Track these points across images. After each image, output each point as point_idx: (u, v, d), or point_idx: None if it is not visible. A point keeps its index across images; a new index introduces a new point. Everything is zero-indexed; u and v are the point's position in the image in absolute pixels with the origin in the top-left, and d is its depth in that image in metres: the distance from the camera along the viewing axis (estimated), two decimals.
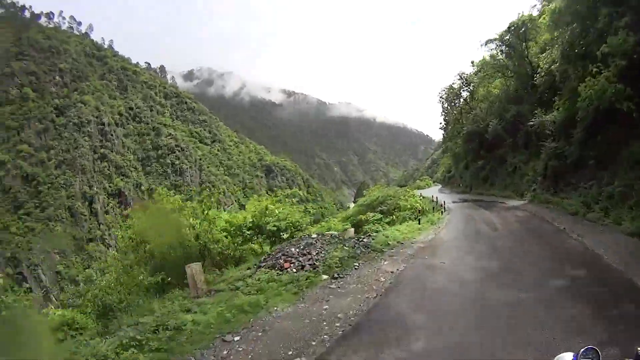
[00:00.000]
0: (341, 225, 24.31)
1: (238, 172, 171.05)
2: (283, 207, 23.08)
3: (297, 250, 14.60)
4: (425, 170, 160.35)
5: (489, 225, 22.67)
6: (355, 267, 13.53)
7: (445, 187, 79.07)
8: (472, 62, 60.17)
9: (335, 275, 12.52)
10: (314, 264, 13.37)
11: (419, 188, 78.30)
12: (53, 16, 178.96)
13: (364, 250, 15.43)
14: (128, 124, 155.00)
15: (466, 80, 62.54)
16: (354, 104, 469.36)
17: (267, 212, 20.82)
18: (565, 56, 26.47)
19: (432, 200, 37.66)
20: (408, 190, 41.02)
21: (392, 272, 12.79)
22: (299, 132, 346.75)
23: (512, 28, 46.10)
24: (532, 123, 32.65)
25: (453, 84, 64.88)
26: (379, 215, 26.38)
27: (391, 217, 26.23)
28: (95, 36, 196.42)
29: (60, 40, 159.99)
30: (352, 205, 69.26)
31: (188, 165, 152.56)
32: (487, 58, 53.43)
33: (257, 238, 19.68)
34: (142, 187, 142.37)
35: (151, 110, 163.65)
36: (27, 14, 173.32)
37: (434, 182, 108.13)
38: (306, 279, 12.01)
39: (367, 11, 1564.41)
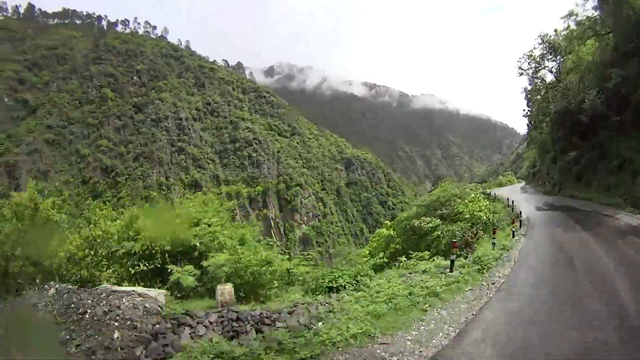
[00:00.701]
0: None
1: (317, 165, 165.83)
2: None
3: None
4: (509, 165, 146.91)
5: (603, 292, 10.12)
6: None
7: (529, 185, 65.59)
8: (556, 31, 46.42)
9: None
10: None
11: (500, 185, 71.70)
12: (128, 23, 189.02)
13: None
14: (206, 118, 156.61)
15: (550, 45, 46.81)
16: (437, 95, 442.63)
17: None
18: None
19: (507, 205, 30.02)
20: (476, 189, 33.99)
21: None
22: (381, 125, 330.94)
23: None
24: None
25: (534, 49, 48.53)
26: (437, 222, 21.75)
27: (449, 227, 20.54)
28: (172, 38, 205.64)
29: (136, 43, 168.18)
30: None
31: (265, 157, 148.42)
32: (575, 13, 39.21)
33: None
34: (219, 178, 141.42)
35: (229, 105, 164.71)
36: (104, 23, 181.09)
37: (517, 178, 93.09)
38: None
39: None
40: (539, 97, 51.62)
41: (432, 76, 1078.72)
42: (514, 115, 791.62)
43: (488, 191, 38.32)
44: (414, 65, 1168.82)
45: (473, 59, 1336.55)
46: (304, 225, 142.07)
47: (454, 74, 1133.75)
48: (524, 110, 56.74)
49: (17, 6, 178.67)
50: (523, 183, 77.38)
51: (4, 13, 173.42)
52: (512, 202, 30.20)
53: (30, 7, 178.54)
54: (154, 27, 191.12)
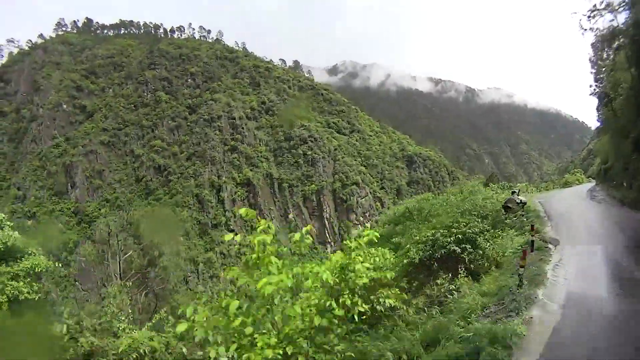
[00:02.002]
0: None
1: (377, 163, 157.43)
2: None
3: None
4: (579, 162, 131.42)
5: None
6: None
7: (599, 187, 45.85)
8: None
9: None
10: None
11: (565, 185, 60.22)
12: (183, 29, 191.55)
13: None
14: (260, 117, 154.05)
15: None
16: (504, 89, 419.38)
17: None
18: None
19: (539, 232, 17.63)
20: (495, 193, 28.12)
21: None
22: (447, 121, 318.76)
23: None
24: None
25: None
26: None
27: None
28: (230, 41, 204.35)
29: (190, 48, 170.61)
30: None
31: (320, 155, 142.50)
32: None
33: None
34: (273, 176, 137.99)
35: (284, 103, 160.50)
36: (160, 31, 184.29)
37: (587, 177, 79.10)
38: None
39: None
40: (609, 55, 37.52)
41: (498, 68, 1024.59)
42: (584, 108, 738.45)
43: (520, 199, 22.40)
44: (480, 58, 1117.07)
45: (540, 48, 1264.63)
46: (359, 226, 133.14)
47: (520, 65, 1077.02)
48: (590, 86, 43.46)
49: (75, 21, 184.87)
50: (592, 183, 63.95)
51: (64, 28, 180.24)
52: (565, 214, 23.08)
53: (89, 21, 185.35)
54: (209, 31, 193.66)
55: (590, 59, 41.14)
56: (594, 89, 41.65)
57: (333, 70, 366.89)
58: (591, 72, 42.18)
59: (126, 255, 26.59)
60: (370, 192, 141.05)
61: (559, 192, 45.47)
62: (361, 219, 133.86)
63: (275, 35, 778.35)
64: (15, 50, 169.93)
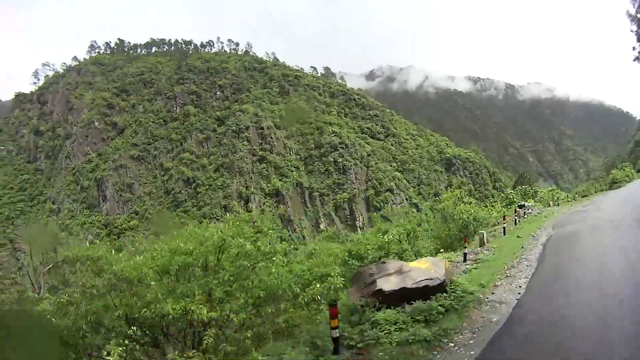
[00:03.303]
0: None
1: (413, 167, 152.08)
2: None
3: None
4: (627, 155, 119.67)
5: None
6: None
7: None
8: None
9: None
10: None
11: (613, 184, 49.34)
12: (213, 43, 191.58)
13: None
14: (291, 125, 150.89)
15: None
16: (544, 83, 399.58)
17: None
18: None
19: None
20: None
21: None
22: (489, 120, 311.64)
23: None
24: None
25: None
26: None
27: None
28: (261, 52, 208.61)
29: (218, 61, 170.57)
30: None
31: (352, 162, 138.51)
32: None
33: None
34: (303, 186, 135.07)
35: (315, 110, 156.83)
36: (191, 47, 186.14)
37: (638, 171, 66.00)
38: None
39: None
40: None
41: (537, 62, 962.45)
42: (630, 98, 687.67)
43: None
44: (518, 53, 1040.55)
45: (577, 38, 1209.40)
46: None
47: (559, 57, 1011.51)
48: (634, 49, 36.29)
49: (107, 42, 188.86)
50: None
51: (97, 50, 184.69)
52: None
53: (121, 41, 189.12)
54: (237, 44, 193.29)
55: (629, 14, 35.25)
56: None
57: (370, 76, 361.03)
58: (632, 31, 36.21)
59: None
60: (405, 199, 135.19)
61: (601, 199, 36.13)
62: None
63: (310, 46, 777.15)
64: (51, 73, 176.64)
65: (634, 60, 35.50)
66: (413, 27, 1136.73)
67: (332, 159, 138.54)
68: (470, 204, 25.30)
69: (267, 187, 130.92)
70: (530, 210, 31.98)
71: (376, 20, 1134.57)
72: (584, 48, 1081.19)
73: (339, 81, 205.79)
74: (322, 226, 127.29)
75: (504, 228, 22.44)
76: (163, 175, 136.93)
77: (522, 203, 33.29)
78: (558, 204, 38.68)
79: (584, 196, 42.44)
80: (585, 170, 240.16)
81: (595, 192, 44.95)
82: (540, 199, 43.09)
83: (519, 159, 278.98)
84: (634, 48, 36.16)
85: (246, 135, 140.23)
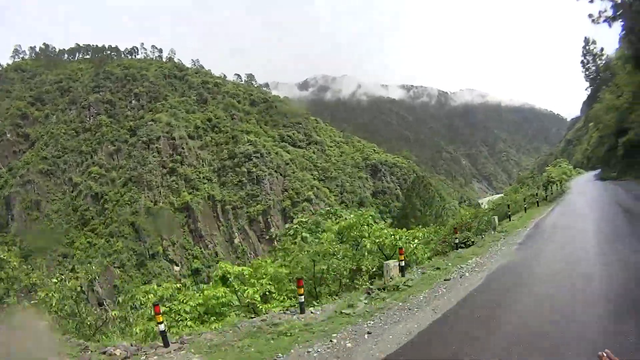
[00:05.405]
0: None
1: (336, 175, 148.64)
2: None
3: None
4: (559, 153, 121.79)
5: None
6: None
7: (601, 177, 47.44)
8: None
9: None
10: None
11: (548, 184, 43.53)
12: (137, 50, 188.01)
13: None
14: (206, 135, 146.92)
15: None
16: (477, 89, 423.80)
17: None
18: None
19: None
20: None
21: None
22: (423, 126, 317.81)
23: None
24: None
25: None
26: None
27: None
28: (189, 60, 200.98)
29: (137, 67, 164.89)
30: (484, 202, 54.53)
31: (267, 171, 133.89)
32: None
33: None
34: (215, 199, 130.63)
35: (232, 119, 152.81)
36: (114, 53, 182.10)
37: (574, 167, 73.29)
38: None
39: None
40: None
41: (470, 70, 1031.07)
42: (559, 101, 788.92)
43: None
44: (451, 61, 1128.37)
45: (510, 46, 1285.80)
46: None
47: (492, 64, 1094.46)
48: (582, 62, 41.09)
49: (32, 47, 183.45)
50: (590, 173, 61.28)
51: (21, 55, 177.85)
52: None
53: (46, 47, 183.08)
54: (160, 50, 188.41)
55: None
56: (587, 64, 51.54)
57: (304, 85, 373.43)
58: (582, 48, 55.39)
59: None
60: (326, 208, 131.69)
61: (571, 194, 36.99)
62: None
63: (245, 56, 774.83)
64: None
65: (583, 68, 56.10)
66: (349, 38, 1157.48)
67: (245, 169, 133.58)
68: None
69: (177, 201, 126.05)
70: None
71: (315, 31, 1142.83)
72: (516, 56, 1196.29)
73: (269, 90, 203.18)
74: (236, 241, 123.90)
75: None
76: (72, 191, 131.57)
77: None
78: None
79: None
80: (517, 170, 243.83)
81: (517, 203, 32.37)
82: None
83: (453, 162, 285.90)
84: (582, 60, 43.81)
85: (157, 146, 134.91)
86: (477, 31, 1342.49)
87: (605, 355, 2.56)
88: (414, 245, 16.40)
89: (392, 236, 15.59)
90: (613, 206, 25.13)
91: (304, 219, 27.63)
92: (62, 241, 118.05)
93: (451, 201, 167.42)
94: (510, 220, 25.19)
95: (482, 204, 72.92)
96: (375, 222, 19.47)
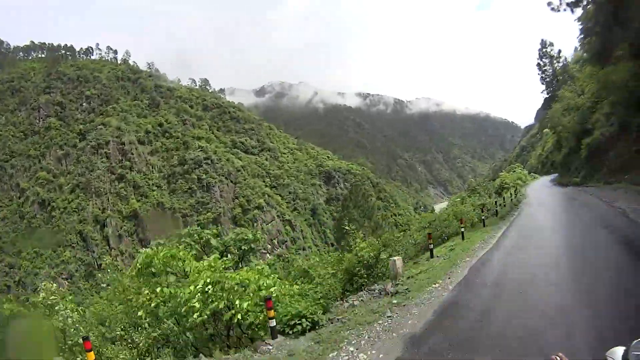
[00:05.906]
0: None
1: (289, 182, 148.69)
2: None
3: None
4: (513, 159, 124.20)
5: None
6: None
7: (560, 182, 45.88)
8: None
9: None
10: None
11: (502, 188, 44.81)
12: (92, 50, 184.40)
13: None
14: (156, 140, 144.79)
15: None
16: (433, 98, 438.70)
17: None
18: None
19: None
20: None
21: None
22: (378, 134, 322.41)
23: None
24: None
25: None
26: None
27: None
28: (142, 63, 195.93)
29: (91, 69, 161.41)
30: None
31: (217, 178, 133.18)
32: None
33: None
34: (164, 206, 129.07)
35: (184, 124, 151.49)
36: (69, 53, 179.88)
37: (529, 172, 73.54)
38: None
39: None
40: None
41: (426, 79, 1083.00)
42: (513, 110, 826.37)
43: None
44: (407, 70, 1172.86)
45: (466, 56, 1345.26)
46: (268, 254, 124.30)
47: (448, 73, 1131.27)
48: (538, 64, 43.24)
49: None
50: (545, 178, 61.08)
51: None
52: None
53: (0, 43, 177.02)
54: (115, 52, 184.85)
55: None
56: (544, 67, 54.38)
57: (260, 92, 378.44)
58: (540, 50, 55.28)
59: None
60: (277, 215, 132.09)
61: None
62: (269, 246, 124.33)
63: (205, 59, 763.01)
64: None
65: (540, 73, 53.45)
66: (307, 46, 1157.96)
67: (195, 176, 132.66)
68: None
69: (125, 209, 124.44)
70: None
71: (272, 38, 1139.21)
72: (472, 66, 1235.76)
73: (224, 96, 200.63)
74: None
75: None
76: (19, 198, 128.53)
77: None
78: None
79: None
80: (473, 175, 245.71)
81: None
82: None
83: (408, 169, 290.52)
84: (538, 64, 53.93)
85: (105, 152, 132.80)
86: (434, 41, 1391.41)
87: (558, 359, 2.54)
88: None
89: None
90: (596, 231, 16.51)
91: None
92: (9, 251, 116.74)
93: (407, 207, 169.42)
94: (432, 256, 16.59)
95: (435, 210, 78.75)
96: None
